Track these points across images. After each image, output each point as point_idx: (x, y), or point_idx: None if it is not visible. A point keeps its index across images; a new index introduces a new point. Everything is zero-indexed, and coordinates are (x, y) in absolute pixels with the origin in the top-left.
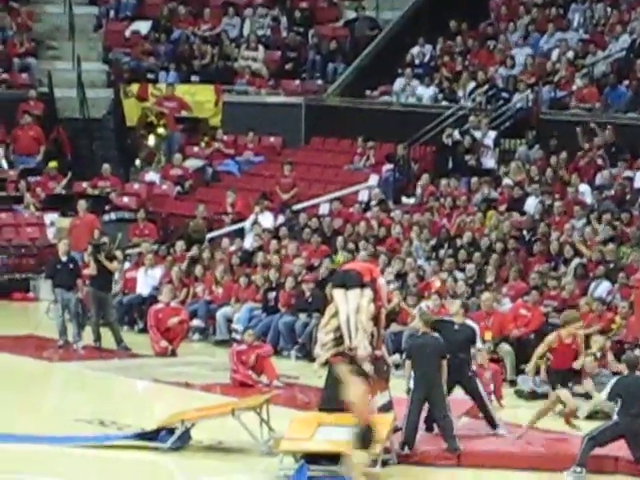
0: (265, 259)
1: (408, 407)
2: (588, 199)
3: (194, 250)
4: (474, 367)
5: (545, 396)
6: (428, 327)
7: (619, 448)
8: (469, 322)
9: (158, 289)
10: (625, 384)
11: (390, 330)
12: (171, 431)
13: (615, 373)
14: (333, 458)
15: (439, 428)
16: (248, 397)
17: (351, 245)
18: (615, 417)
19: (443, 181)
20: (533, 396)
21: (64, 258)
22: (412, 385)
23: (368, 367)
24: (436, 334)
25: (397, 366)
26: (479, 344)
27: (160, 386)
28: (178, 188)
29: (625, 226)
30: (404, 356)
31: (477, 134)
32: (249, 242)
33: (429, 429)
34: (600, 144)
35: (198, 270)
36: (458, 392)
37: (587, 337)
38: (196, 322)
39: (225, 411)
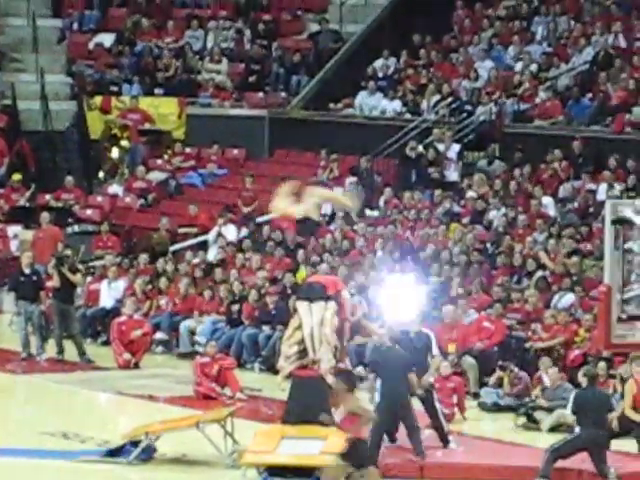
0: (226, 273)
1: (373, 423)
2: (551, 212)
3: (160, 263)
4: (434, 379)
5: (508, 409)
6: (393, 341)
7: (582, 461)
8: (425, 330)
9: (121, 301)
10: (585, 397)
11: (353, 342)
12: (136, 444)
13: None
14: (296, 471)
15: (409, 437)
16: (212, 410)
17: (314, 258)
18: (577, 430)
19: (407, 194)
20: (496, 409)
21: (27, 270)
22: (377, 398)
23: (331, 380)
24: (398, 348)
25: (361, 379)
26: (435, 351)
27: (123, 399)
28: (141, 201)
29: (588, 239)
30: (368, 369)
31: (440, 147)
32: (212, 254)
33: (392, 441)
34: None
35: (162, 282)
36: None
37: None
38: (159, 335)
39: (190, 424)
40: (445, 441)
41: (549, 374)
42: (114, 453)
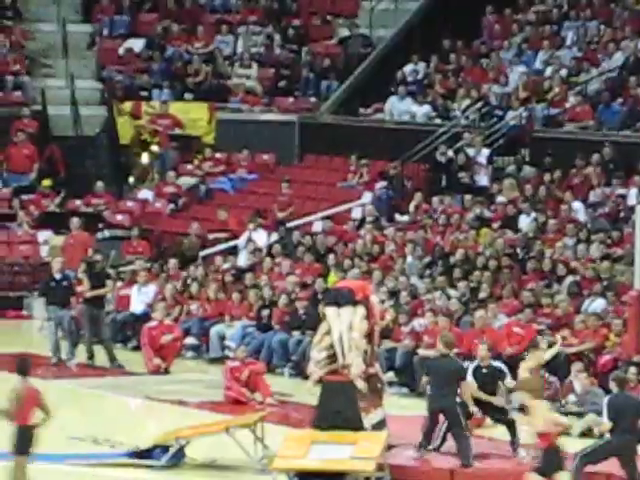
0: (256, 278)
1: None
2: (581, 217)
3: (190, 270)
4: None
5: None
6: (448, 348)
7: (612, 465)
8: (496, 363)
9: (151, 306)
10: (616, 403)
11: (383, 347)
12: (165, 449)
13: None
14: (326, 476)
15: (456, 444)
16: (242, 415)
17: (346, 262)
18: (607, 436)
19: (437, 199)
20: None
21: (58, 276)
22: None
23: (361, 384)
24: (453, 356)
25: (391, 384)
26: (469, 378)
27: (153, 404)
28: (171, 206)
29: (618, 244)
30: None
31: (470, 152)
32: (243, 259)
33: (426, 446)
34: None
35: (192, 288)
36: None
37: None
38: (190, 340)
39: (219, 429)
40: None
41: (579, 379)
42: (142, 456)
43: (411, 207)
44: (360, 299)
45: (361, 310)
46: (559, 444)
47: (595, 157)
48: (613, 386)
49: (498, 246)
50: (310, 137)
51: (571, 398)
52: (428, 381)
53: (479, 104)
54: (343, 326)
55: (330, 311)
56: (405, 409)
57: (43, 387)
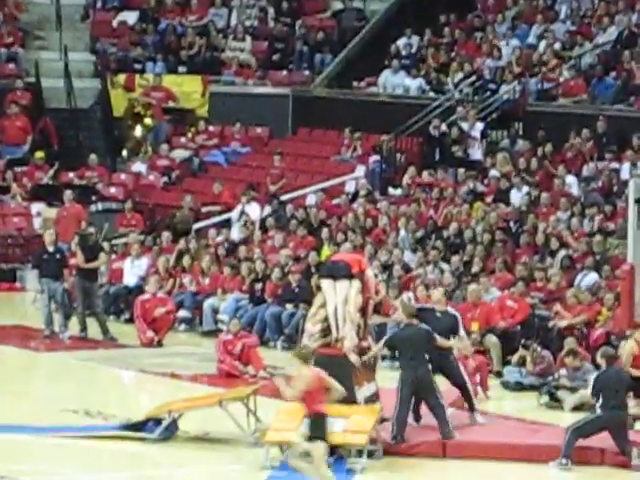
0: (249, 251)
1: (397, 401)
2: (575, 191)
3: (182, 243)
4: (457, 357)
5: (531, 388)
6: (412, 318)
7: (605, 440)
8: (451, 310)
9: (144, 279)
10: (605, 378)
11: (373, 321)
12: (158, 422)
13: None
14: None
15: (433, 414)
16: (235, 388)
17: (339, 236)
18: (598, 410)
19: (430, 172)
20: (519, 388)
21: (51, 248)
22: (399, 378)
23: (354, 358)
24: (421, 324)
25: (383, 357)
26: (461, 332)
27: (146, 376)
28: (165, 179)
29: (611, 218)
30: (381, 342)
31: (464, 125)
32: (236, 233)
33: (417, 420)
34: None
35: (185, 261)
36: (441, 382)
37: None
38: (183, 313)
39: (212, 402)
40: (472, 409)
41: (567, 361)
42: (135, 428)
43: (404, 181)
44: (356, 273)
45: (357, 284)
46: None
47: (588, 131)
48: (602, 362)
49: (491, 220)
50: (303, 110)
51: (563, 372)
52: (386, 348)
53: (473, 78)
54: (338, 299)
55: (326, 284)
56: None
57: (36, 359)
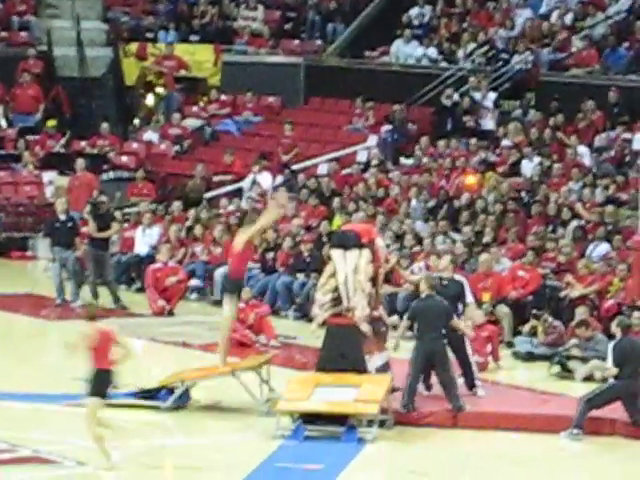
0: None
1: (410, 370)
2: (587, 161)
3: (190, 219)
4: (469, 326)
5: (542, 358)
6: (433, 290)
7: (616, 410)
8: (457, 277)
9: (156, 248)
10: (620, 348)
11: (384, 291)
12: (171, 390)
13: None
14: (330, 418)
15: (443, 388)
16: (248, 357)
17: (351, 205)
18: (611, 380)
19: (442, 142)
20: (530, 358)
21: (62, 217)
22: (413, 348)
23: (366, 327)
24: (439, 297)
25: (395, 327)
26: (469, 298)
27: (158, 345)
28: (176, 147)
29: (623, 188)
30: (405, 317)
31: (476, 95)
32: (247, 202)
33: (427, 389)
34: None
35: (197, 230)
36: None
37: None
38: (194, 282)
39: (225, 371)
40: (470, 386)
41: (579, 332)
42: (147, 396)
43: (416, 150)
44: (366, 242)
45: (367, 253)
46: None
47: (601, 101)
48: (617, 331)
49: (503, 190)
50: (316, 80)
51: (574, 342)
52: (409, 325)
53: (485, 48)
54: (349, 269)
55: (336, 254)
56: (409, 352)
57: (47, 328)
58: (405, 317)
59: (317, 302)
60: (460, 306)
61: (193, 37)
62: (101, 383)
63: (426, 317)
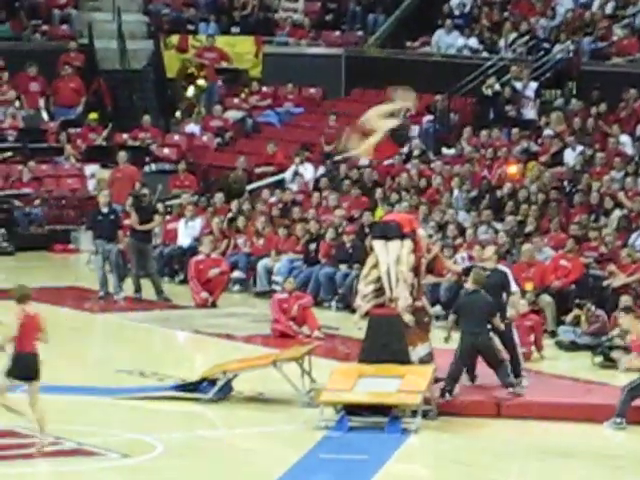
0: (303, 211)
1: (453, 360)
2: (629, 150)
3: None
4: (514, 316)
5: (585, 347)
6: (479, 285)
7: None
8: (501, 267)
9: (198, 240)
10: None
11: (427, 281)
12: (213, 382)
13: None
14: (374, 409)
15: (495, 372)
16: (290, 348)
17: (394, 196)
18: None
19: (484, 132)
20: (573, 347)
21: (105, 209)
22: (459, 341)
23: (408, 318)
24: (484, 292)
25: (437, 317)
26: (514, 287)
27: (201, 337)
28: (218, 139)
29: None
30: (452, 311)
31: (518, 85)
32: (290, 193)
33: (472, 380)
34: None
35: (240, 221)
36: None
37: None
38: (237, 273)
39: (267, 362)
40: (518, 375)
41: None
42: (189, 389)
43: (460, 141)
44: (407, 232)
45: (408, 243)
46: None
47: None
48: None
49: (545, 179)
50: (357, 71)
51: (617, 332)
52: (455, 319)
53: (526, 37)
54: (390, 259)
55: (378, 244)
56: (451, 342)
57: (90, 320)
58: (451, 311)
59: (360, 293)
60: (504, 295)
61: (234, 29)
62: (20, 366)
63: (471, 312)
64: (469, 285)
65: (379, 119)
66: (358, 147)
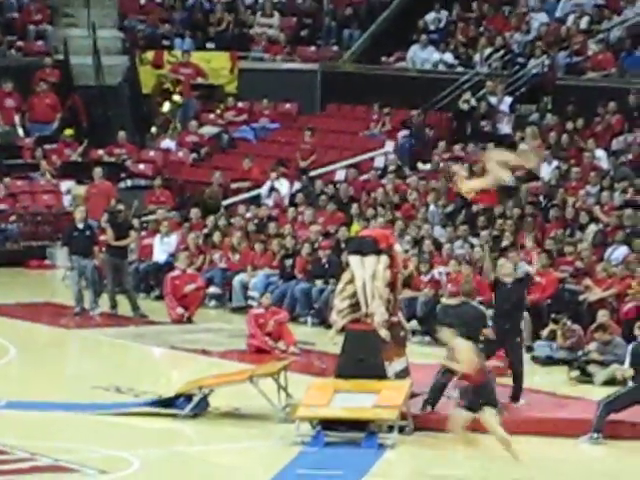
0: (279, 227)
1: (440, 370)
2: (604, 164)
3: (209, 226)
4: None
5: (561, 362)
6: (469, 296)
7: (636, 414)
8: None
9: (174, 256)
10: (638, 350)
11: (403, 296)
12: (189, 398)
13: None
14: (350, 424)
15: None
16: (266, 364)
17: (369, 211)
18: (630, 383)
19: (459, 147)
20: (550, 362)
21: (80, 225)
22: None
23: (385, 333)
24: (475, 303)
25: (414, 332)
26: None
27: (177, 353)
28: (194, 155)
29: None
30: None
31: (493, 100)
32: (265, 209)
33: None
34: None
35: (215, 237)
36: None
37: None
38: (213, 289)
39: (243, 378)
40: (516, 399)
41: (597, 336)
42: (165, 404)
43: (434, 156)
44: (383, 248)
45: (384, 259)
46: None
47: (618, 105)
48: (639, 333)
49: (521, 194)
50: (332, 86)
51: (593, 346)
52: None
53: (501, 52)
54: (366, 275)
55: (353, 260)
56: (427, 357)
57: (66, 336)
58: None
59: (335, 308)
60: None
61: (209, 44)
62: None
63: (461, 324)
64: (457, 297)
65: (498, 165)
66: (464, 183)
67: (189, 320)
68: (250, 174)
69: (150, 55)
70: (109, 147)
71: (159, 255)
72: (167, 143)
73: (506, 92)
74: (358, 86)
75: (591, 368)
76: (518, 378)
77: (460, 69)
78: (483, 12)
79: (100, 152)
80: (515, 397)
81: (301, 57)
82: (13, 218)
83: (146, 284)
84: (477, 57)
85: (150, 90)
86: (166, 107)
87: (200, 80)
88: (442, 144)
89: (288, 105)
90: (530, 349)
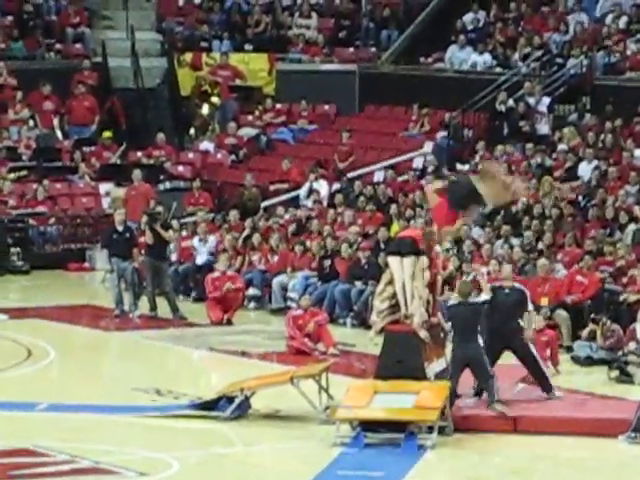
0: (318, 228)
1: (449, 372)
2: None
3: (248, 228)
4: (530, 335)
5: (601, 362)
6: (465, 297)
7: None
8: (518, 285)
9: (214, 257)
10: None
11: (443, 297)
12: (230, 400)
13: None
14: (390, 426)
15: (482, 386)
16: (306, 365)
17: (408, 212)
18: None
19: (499, 147)
20: (589, 362)
21: (120, 227)
22: (451, 354)
23: (424, 334)
24: (475, 299)
25: None
26: (530, 307)
27: (216, 355)
28: (232, 157)
29: None
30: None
31: (531, 100)
32: (304, 210)
33: (478, 394)
34: None
35: (254, 238)
36: (511, 358)
37: None
38: (252, 291)
39: (284, 379)
40: (548, 389)
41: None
42: (207, 407)
43: (475, 156)
44: (423, 248)
45: (424, 259)
46: None
47: None
48: None
49: (560, 194)
50: (370, 87)
51: (632, 346)
52: (451, 329)
53: (539, 52)
54: (406, 275)
55: (393, 261)
56: None
57: (106, 339)
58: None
59: (375, 309)
60: (524, 314)
61: (247, 46)
62: None
63: (458, 323)
64: (455, 296)
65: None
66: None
67: (229, 322)
68: (289, 175)
69: (188, 57)
70: (148, 149)
71: (198, 257)
72: (206, 145)
73: (544, 92)
74: (396, 87)
75: (631, 368)
76: (537, 371)
77: (498, 69)
78: (521, 12)
79: (139, 154)
80: (546, 389)
81: (339, 58)
82: (52, 221)
83: (185, 286)
84: (515, 57)
85: (188, 92)
86: (205, 109)
87: (238, 82)
88: (481, 144)
89: (326, 106)
90: (570, 349)
